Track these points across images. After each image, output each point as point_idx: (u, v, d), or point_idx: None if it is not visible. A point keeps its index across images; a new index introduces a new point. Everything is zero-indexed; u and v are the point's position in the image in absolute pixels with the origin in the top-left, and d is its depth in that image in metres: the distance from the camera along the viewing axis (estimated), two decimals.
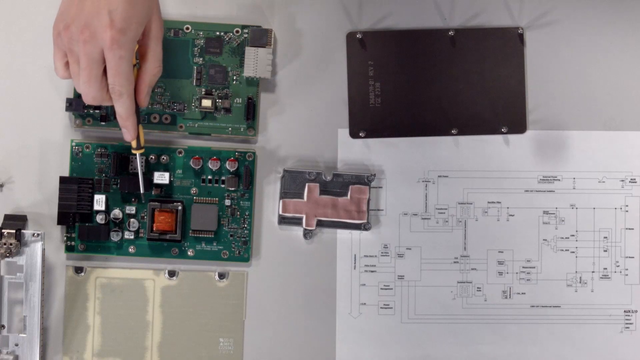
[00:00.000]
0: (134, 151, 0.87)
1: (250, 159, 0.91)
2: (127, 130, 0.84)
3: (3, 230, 0.86)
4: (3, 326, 0.88)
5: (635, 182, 0.94)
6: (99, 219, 0.90)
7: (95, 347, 0.91)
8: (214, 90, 0.91)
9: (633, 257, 0.93)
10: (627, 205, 0.94)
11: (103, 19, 0.77)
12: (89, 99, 0.81)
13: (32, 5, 0.91)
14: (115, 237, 0.90)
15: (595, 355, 0.93)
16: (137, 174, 0.89)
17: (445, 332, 0.93)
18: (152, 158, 0.90)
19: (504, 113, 0.93)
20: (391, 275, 0.93)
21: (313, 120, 0.93)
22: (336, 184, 0.92)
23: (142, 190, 0.89)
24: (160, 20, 0.82)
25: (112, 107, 0.90)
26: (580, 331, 0.93)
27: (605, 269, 0.93)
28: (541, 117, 0.93)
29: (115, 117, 0.90)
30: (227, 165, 0.91)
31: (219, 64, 0.91)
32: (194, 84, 0.91)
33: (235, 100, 0.91)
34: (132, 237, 0.90)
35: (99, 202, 0.90)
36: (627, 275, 0.93)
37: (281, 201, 0.91)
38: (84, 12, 0.77)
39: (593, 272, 0.93)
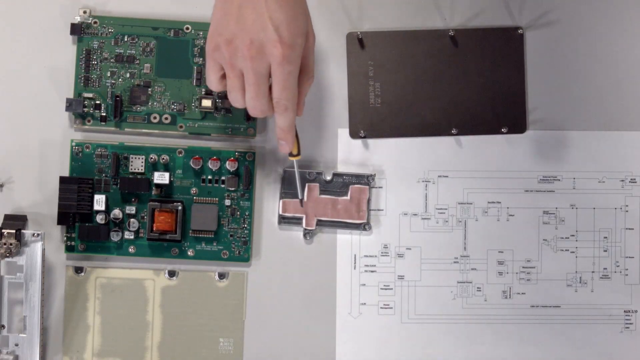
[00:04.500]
0: (291, 158, 0.86)
1: (250, 159, 0.91)
2: (287, 142, 0.82)
3: (3, 230, 0.86)
4: (3, 326, 0.88)
5: (635, 182, 0.94)
6: (99, 219, 0.90)
7: (95, 347, 0.91)
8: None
9: (633, 257, 0.93)
10: (627, 205, 0.93)
11: (270, 34, 0.74)
12: (256, 112, 0.79)
13: (32, 5, 0.91)
14: (115, 237, 0.90)
15: (595, 355, 0.93)
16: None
17: (445, 332, 0.93)
18: (152, 158, 0.90)
19: (504, 113, 0.93)
20: (391, 275, 0.93)
21: (313, 120, 0.93)
22: (336, 184, 0.92)
23: (300, 196, 0.90)
24: (313, 31, 0.79)
25: (112, 107, 0.90)
26: (580, 331, 0.93)
27: (605, 269, 0.93)
28: (541, 117, 0.93)
29: (115, 117, 0.90)
30: (227, 165, 0.91)
31: None
32: (194, 84, 0.91)
33: None
34: (132, 237, 0.90)
35: (99, 202, 0.90)
36: (627, 275, 0.93)
37: (281, 201, 0.91)
38: (247, 27, 0.75)
39: (593, 272, 0.93)
